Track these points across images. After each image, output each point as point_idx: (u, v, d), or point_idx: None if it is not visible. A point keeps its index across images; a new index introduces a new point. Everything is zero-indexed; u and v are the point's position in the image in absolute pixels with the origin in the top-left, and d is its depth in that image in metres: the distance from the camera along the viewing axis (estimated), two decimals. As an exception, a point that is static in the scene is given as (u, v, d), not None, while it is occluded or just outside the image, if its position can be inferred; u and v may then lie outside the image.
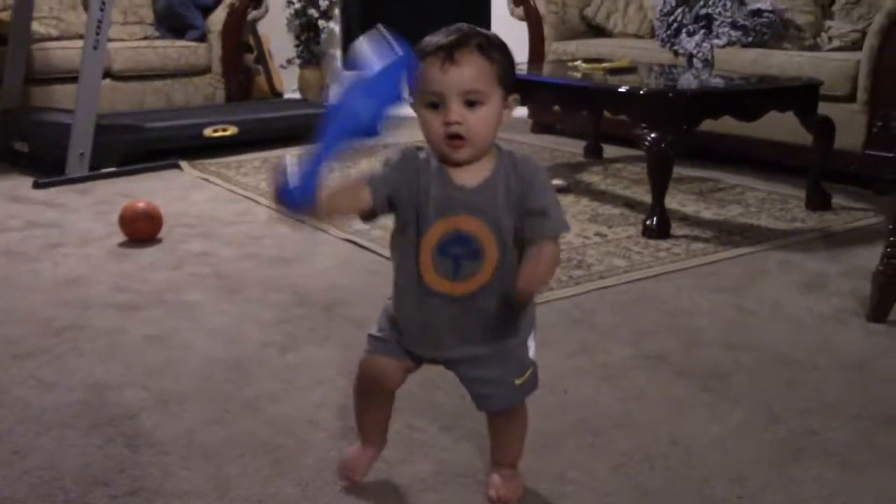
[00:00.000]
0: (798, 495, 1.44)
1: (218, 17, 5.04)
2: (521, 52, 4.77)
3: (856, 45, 3.60)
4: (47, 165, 3.72)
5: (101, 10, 3.61)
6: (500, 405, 1.35)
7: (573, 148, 4.33)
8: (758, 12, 3.92)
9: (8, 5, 4.53)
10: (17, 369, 1.90)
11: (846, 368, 1.91)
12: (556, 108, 4.22)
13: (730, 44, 3.91)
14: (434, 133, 1.19)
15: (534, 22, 4.73)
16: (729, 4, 3.97)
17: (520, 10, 4.79)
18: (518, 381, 1.32)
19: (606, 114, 3.73)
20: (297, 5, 5.96)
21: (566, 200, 3.33)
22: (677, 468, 1.51)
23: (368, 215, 1.27)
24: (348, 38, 6.21)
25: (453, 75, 1.16)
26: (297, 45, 6.05)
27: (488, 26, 5.62)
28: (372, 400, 1.41)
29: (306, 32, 6.01)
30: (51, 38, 4.64)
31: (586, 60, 3.76)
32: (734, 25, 3.92)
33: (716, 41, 3.95)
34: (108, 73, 4.48)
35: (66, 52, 4.46)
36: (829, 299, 2.32)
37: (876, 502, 1.44)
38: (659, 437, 1.61)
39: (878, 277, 2.14)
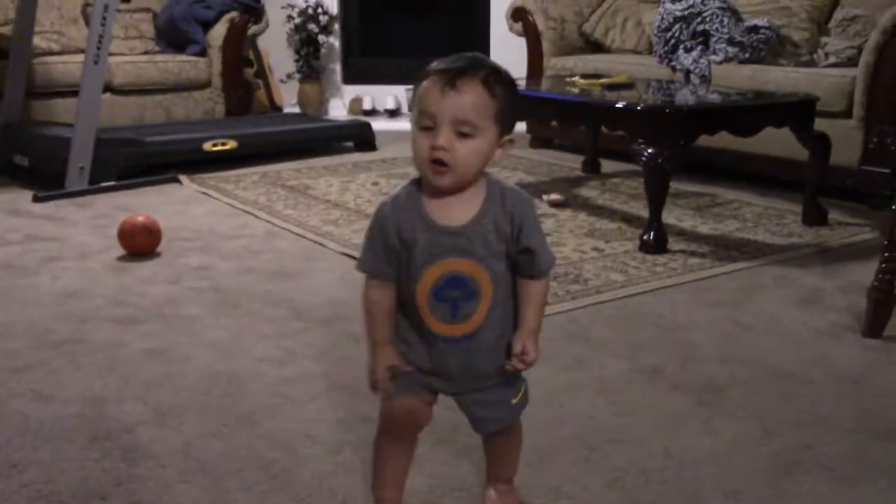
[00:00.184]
0: (792, 510, 1.45)
1: (218, 32, 5.07)
2: (519, 68, 4.81)
3: (852, 62, 3.63)
4: (47, 179, 3.74)
5: (103, 24, 3.63)
6: (499, 426, 1.34)
7: (571, 163, 4.35)
8: (754, 29, 3.95)
9: (9, 20, 4.56)
10: (15, 382, 1.90)
11: (841, 383, 1.92)
12: (555, 123, 4.24)
13: (727, 60, 3.94)
14: (420, 154, 1.17)
15: (532, 38, 4.76)
16: (726, 21, 4.00)
17: (519, 26, 4.82)
18: (514, 401, 1.32)
19: (604, 129, 3.75)
20: (297, 20, 5.99)
21: (564, 215, 3.35)
22: (672, 482, 1.52)
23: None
24: (348, 53, 6.25)
25: (451, 101, 1.13)
26: (297, 60, 6.08)
27: (488, 42, 5.66)
28: (401, 443, 1.36)
29: (306, 47, 6.04)
30: (52, 53, 4.68)
31: (584, 76, 3.78)
32: (731, 42, 3.95)
33: (713, 57, 3.98)
34: (108, 88, 4.50)
35: (66, 67, 4.49)
36: (824, 314, 2.33)
37: (870, 517, 1.44)
38: (654, 451, 1.62)
39: (872, 293, 2.15)
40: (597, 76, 3.75)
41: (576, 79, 3.73)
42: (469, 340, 1.24)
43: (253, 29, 5.27)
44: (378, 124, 5.15)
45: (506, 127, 1.20)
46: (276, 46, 5.98)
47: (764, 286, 2.55)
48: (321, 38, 6.04)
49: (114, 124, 4.52)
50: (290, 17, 6.00)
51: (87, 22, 4.72)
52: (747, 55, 3.91)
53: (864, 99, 3.39)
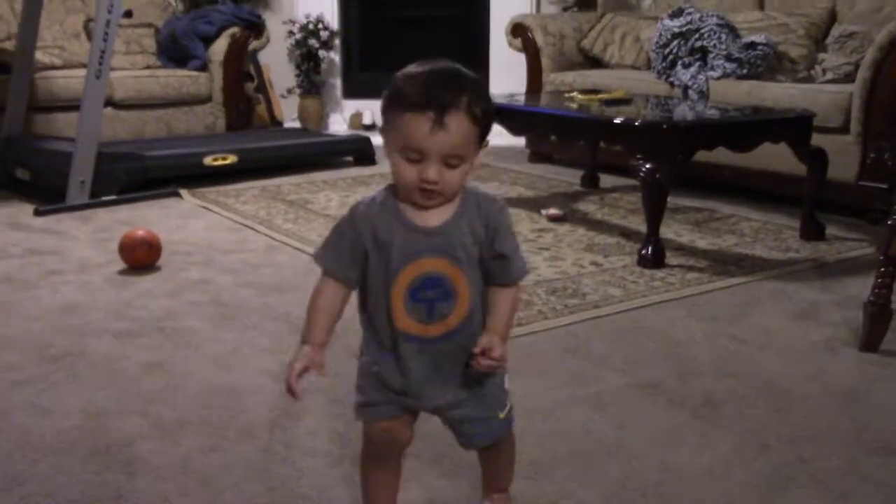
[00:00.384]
0: (788, 524, 1.45)
1: (219, 47, 5.10)
2: (519, 83, 4.84)
3: (849, 78, 3.65)
4: (48, 193, 3.75)
5: (105, 39, 3.66)
6: (487, 440, 1.35)
7: (570, 177, 4.37)
8: (752, 45, 3.98)
9: (12, 34, 4.59)
10: (15, 395, 1.91)
11: (837, 397, 1.93)
12: (554, 138, 4.26)
13: (724, 76, 3.96)
14: (407, 182, 1.17)
15: (532, 53, 4.79)
16: (724, 37, 4.03)
17: (518, 42, 4.85)
18: (501, 415, 1.33)
19: (603, 144, 3.77)
20: (298, 36, 6.03)
21: (563, 229, 3.36)
22: (670, 496, 1.53)
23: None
24: (348, 68, 6.28)
25: (440, 138, 1.13)
26: (298, 75, 6.12)
27: (487, 58, 5.69)
28: (385, 464, 1.36)
29: (307, 62, 6.07)
30: (54, 67, 4.70)
31: (583, 91, 3.80)
32: (729, 58, 3.98)
33: (711, 73, 4.00)
34: (109, 102, 4.53)
35: (68, 81, 4.52)
36: (821, 329, 2.34)
37: (865, 531, 1.45)
38: (651, 465, 1.62)
39: (869, 307, 2.16)
40: (595, 91, 3.77)
41: (574, 94, 3.76)
42: (440, 342, 1.24)
43: (254, 44, 5.30)
44: (378, 139, 5.16)
45: (484, 139, 1.20)
46: (276, 61, 6.01)
47: (761, 301, 2.57)
48: (322, 53, 6.07)
49: (115, 138, 4.55)
50: (290, 33, 6.04)
51: (89, 37, 4.76)
52: (745, 71, 3.93)
53: (861, 115, 3.41)
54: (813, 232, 3.22)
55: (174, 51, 5.17)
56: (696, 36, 4.10)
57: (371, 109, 6.13)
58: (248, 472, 1.59)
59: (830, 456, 1.66)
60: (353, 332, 2.24)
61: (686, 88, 4.02)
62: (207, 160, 4.20)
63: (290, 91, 6.12)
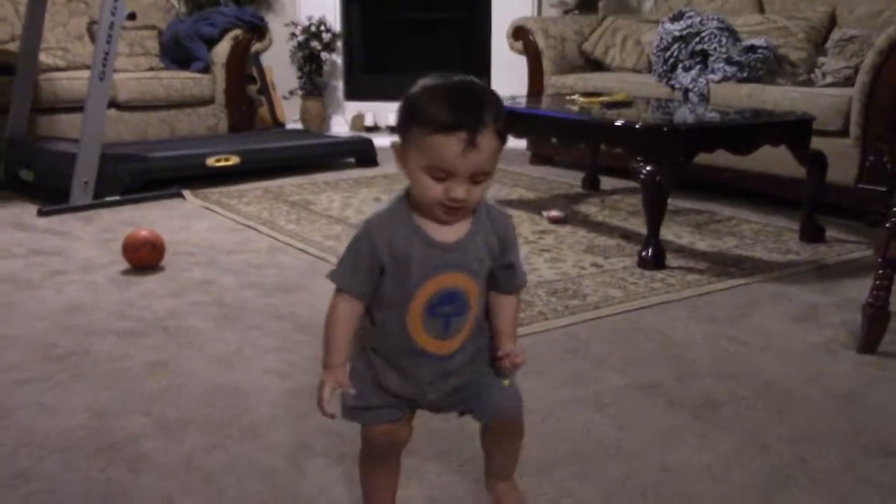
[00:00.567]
0: (786, 522, 1.47)
1: (222, 49, 5.12)
2: (520, 86, 4.85)
3: (848, 82, 3.67)
4: (52, 194, 3.77)
5: (108, 41, 3.67)
6: (507, 404, 1.33)
7: (571, 179, 4.39)
8: (752, 48, 4.00)
9: (16, 36, 4.61)
10: (20, 394, 1.93)
11: (836, 398, 1.95)
12: (555, 140, 4.27)
13: (725, 79, 3.98)
14: (431, 198, 1.16)
15: (533, 56, 4.80)
16: (724, 41, 4.05)
17: (519, 45, 4.86)
18: (506, 383, 1.32)
19: (604, 146, 3.78)
20: (300, 38, 6.05)
21: (564, 231, 3.38)
22: (669, 495, 1.54)
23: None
24: (350, 70, 6.29)
25: (471, 159, 1.13)
26: (300, 77, 6.13)
27: (488, 60, 5.70)
28: (385, 465, 1.38)
29: (309, 64, 6.09)
30: (57, 69, 4.72)
31: (584, 94, 3.82)
32: (729, 61, 3.99)
33: (711, 76, 4.02)
34: (113, 103, 4.54)
35: (71, 83, 4.53)
36: (820, 330, 2.35)
37: (862, 530, 1.47)
38: (651, 465, 1.64)
39: (867, 309, 2.18)
40: (596, 94, 3.79)
41: (576, 97, 3.77)
42: (454, 357, 1.27)
43: (256, 46, 5.31)
44: (379, 140, 5.19)
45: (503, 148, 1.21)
46: (279, 63, 6.03)
47: (761, 302, 2.58)
48: (324, 55, 6.09)
49: (118, 140, 4.56)
50: (293, 35, 6.05)
51: (93, 39, 4.77)
52: (745, 74, 3.95)
53: (860, 118, 3.43)
54: (812, 234, 3.24)
55: (177, 53, 5.19)
56: (697, 39, 4.11)
57: (373, 111, 6.15)
58: (250, 471, 1.61)
59: (829, 456, 1.68)
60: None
61: (686, 91, 4.03)
62: (210, 161, 4.22)
63: (292, 93, 6.14)
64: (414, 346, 1.24)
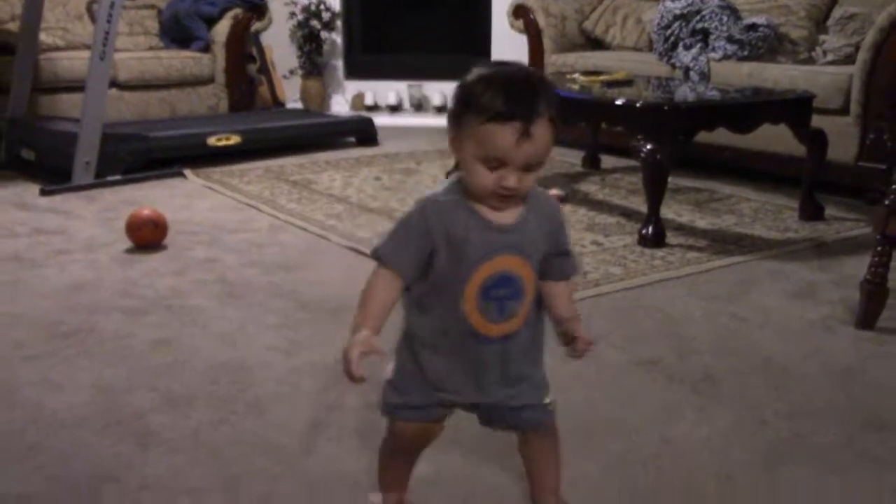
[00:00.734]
0: (784, 495, 1.49)
1: (222, 29, 5.11)
2: (520, 64, 4.83)
3: (849, 60, 3.67)
4: (53, 173, 3.78)
5: (109, 21, 3.67)
6: (533, 424, 1.34)
7: (572, 158, 4.39)
8: (753, 27, 4.00)
9: (16, 16, 4.60)
10: (27, 371, 1.95)
11: (834, 374, 1.97)
12: (555, 119, 4.27)
13: (726, 57, 3.98)
14: (484, 186, 1.15)
15: (533, 35, 4.79)
16: (725, 19, 4.04)
17: (519, 23, 4.85)
18: (546, 401, 1.34)
19: (604, 125, 3.79)
20: (300, 17, 6.03)
21: (564, 209, 3.38)
22: (668, 468, 1.57)
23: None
24: (350, 49, 6.28)
25: (526, 149, 1.12)
26: (300, 56, 6.12)
27: (489, 39, 5.69)
28: (409, 457, 1.39)
29: (309, 43, 6.08)
30: (57, 49, 4.71)
31: (585, 73, 3.82)
32: (730, 39, 3.99)
33: (712, 55, 4.02)
34: (113, 83, 4.53)
35: (72, 63, 4.53)
36: (818, 307, 2.37)
37: (857, 503, 1.49)
38: (651, 439, 1.66)
39: (865, 286, 2.20)
40: (597, 73, 3.79)
41: (576, 75, 3.78)
42: (509, 341, 1.24)
43: (256, 25, 5.31)
44: (380, 119, 5.20)
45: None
46: (279, 43, 6.01)
47: (760, 280, 2.60)
48: (324, 34, 6.07)
49: (119, 119, 4.56)
50: (292, 14, 6.04)
51: (93, 18, 4.77)
52: (746, 53, 3.95)
53: (860, 96, 3.43)
54: (812, 212, 3.25)
55: (177, 32, 5.18)
56: (698, 17, 4.11)
57: (373, 90, 6.14)
58: (256, 446, 1.63)
59: (827, 431, 1.70)
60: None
61: (687, 70, 4.03)
62: (211, 141, 4.22)
63: (292, 72, 6.13)
64: (468, 327, 1.21)
